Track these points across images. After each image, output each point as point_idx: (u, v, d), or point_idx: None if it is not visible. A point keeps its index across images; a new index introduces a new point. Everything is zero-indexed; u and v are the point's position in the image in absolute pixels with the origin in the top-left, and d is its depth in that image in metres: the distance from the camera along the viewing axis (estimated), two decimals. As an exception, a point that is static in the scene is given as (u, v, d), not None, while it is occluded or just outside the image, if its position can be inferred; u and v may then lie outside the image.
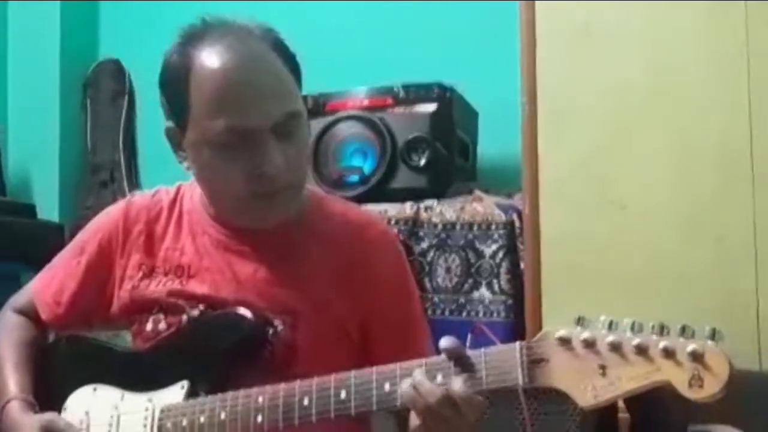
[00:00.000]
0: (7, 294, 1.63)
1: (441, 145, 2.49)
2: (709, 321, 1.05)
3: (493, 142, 2.75)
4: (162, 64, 1.41)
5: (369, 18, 3.05)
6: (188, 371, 1.38)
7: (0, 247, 2.89)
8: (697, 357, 1.02)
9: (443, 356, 1.18)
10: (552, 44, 2.22)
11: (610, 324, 1.08)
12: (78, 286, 1.53)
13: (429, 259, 2.39)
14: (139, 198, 1.56)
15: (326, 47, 2.82)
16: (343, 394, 1.23)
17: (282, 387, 1.28)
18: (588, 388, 1.08)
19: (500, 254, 2.31)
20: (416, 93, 2.54)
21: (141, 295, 1.47)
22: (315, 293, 1.40)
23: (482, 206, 2.38)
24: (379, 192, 2.48)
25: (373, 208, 2.30)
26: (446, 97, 2.53)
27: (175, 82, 1.37)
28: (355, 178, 2.54)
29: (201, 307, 1.42)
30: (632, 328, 1.06)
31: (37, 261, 1.66)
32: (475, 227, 2.35)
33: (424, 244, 2.40)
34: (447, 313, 2.35)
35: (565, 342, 1.10)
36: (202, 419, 1.32)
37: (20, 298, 1.61)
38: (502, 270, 2.30)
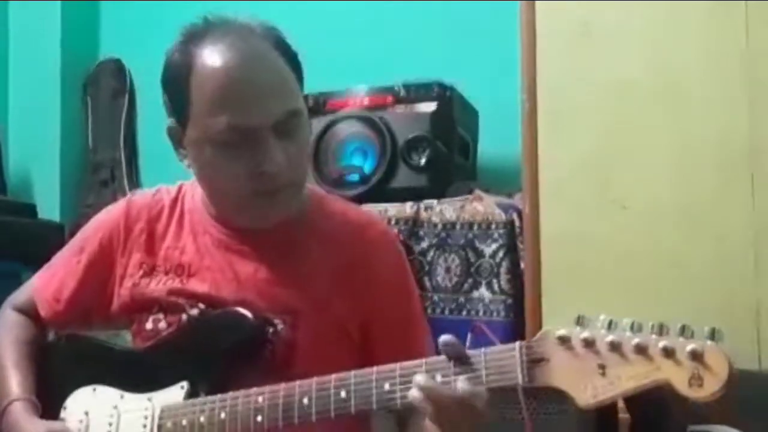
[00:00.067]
0: (8, 294, 1.63)
1: (441, 144, 2.48)
2: (709, 321, 1.05)
3: (494, 142, 2.75)
4: (164, 63, 1.41)
5: (369, 17, 3.05)
6: (188, 371, 1.38)
7: (0, 247, 2.88)
8: (696, 356, 1.01)
9: (443, 356, 1.18)
10: (552, 44, 2.22)
11: (610, 323, 1.08)
12: (78, 284, 1.53)
13: (429, 258, 2.39)
14: (140, 197, 1.56)
15: (327, 46, 2.81)
16: (343, 394, 1.23)
17: (282, 387, 1.28)
18: (587, 388, 1.07)
19: (500, 254, 2.31)
20: (416, 92, 2.53)
21: (141, 293, 1.47)
22: (315, 293, 1.40)
23: (482, 206, 2.38)
24: (379, 191, 2.47)
25: (373, 208, 2.30)
26: (446, 96, 2.52)
27: (177, 81, 1.37)
28: (355, 177, 2.53)
29: (201, 306, 1.42)
30: (632, 328, 1.06)
31: (38, 260, 1.66)
32: (475, 227, 2.35)
33: (424, 244, 2.39)
34: (447, 312, 2.35)
35: (564, 341, 1.10)
36: (202, 419, 1.32)
37: (20, 296, 1.61)
38: (502, 269, 2.30)
